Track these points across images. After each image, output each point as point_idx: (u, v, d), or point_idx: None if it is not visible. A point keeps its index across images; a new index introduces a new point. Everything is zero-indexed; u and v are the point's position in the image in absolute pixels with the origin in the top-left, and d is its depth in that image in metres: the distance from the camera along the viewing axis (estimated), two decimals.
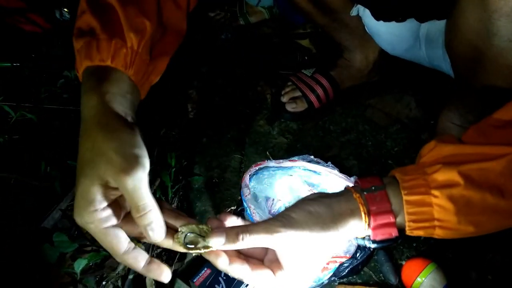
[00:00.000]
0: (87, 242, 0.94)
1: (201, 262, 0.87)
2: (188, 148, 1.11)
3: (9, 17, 1.34)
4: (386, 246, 0.56)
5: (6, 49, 1.27)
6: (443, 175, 0.50)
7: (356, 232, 0.53)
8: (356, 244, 0.80)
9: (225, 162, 1.08)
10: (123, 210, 0.51)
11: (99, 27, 0.56)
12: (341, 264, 0.80)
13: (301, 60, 1.33)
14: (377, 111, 1.18)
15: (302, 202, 0.53)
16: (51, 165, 1.05)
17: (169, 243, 0.50)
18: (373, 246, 0.54)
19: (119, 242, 0.49)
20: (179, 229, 0.50)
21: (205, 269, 0.83)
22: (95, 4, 0.58)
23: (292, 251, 0.51)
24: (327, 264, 0.78)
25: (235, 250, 0.52)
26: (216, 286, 0.81)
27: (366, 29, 1.08)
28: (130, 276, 0.90)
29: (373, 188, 0.53)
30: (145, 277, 0.88)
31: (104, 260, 0.91)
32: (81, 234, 0.96)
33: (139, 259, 0.50)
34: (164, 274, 0.50)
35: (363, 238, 0.55)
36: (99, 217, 0.47)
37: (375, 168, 1.05)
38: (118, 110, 0.52)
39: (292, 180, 0.86)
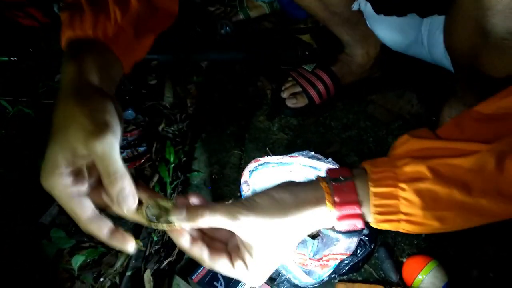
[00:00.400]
0: (84, 239, 0.93)
1: None
2: (187, 143, 1.10)
3: (7, 11, 1.33)
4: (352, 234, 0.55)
5: (4, 43, 1.26)
6: (411, 169, 0.49)
7: (321, 221, 0.52)
8: (356, 241, 0.79)
9: (224, 158, 1.07)
10: (90, 180, 0.50)
11: (85, 1, 0.55)
12: (341, 261, 0.79)
13: (302, 55, 1.32)
14: (378, 107, 1.17)
15: (270, 189, 0.52)
16: None
17: (135, 217, 0.49)
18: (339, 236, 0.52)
19: (83, 208, 0.48)
20: (143, 202, 0.49)
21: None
22: None
23: (254, 237, 0.49)
24: (327, 261, 0.77)
25: (200, 232, 0.52)
26: (215, 283, 0.80)
27: (368, 24, 1.07)
28: (128, 273, 0.89)
29: (341, 178, 0.52)
30: (143, 274, 0.87)
31: (102, 256, 0.90)
32: (78, 230, 0.95)
33: (102, 227, 0.49)
34: (129, 244, 0.50)
35: (330, 229, 0.53)
36: (64, 182, 0.46)
37: None
38: (93, 80, 0.51)
39: (292, 176, 0.85)
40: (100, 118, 0.46)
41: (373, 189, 0.50)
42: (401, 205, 0.49)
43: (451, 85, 0.95)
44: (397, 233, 0.90)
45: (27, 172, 1.02)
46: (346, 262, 0.79)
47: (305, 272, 0.78)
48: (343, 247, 0.79)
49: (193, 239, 0.51)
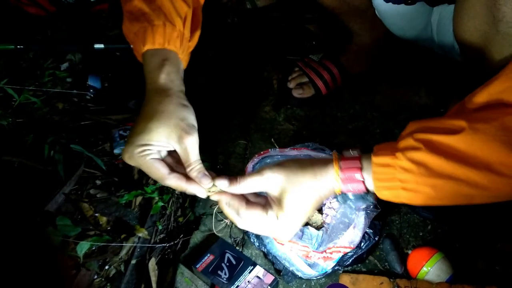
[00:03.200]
0: (90, 227, 0.94)
1: (204, 247, 0.86)
2: None
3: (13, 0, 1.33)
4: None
5: (10, 32, 1.26)
6: (407, 142, 0.56)
7: (331, 183, 0.61)
8: (360, 235, 0.79)
9: (229, 148, 1.07)
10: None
11: (151, 13, 0.67)
12: (345, 254, 0.78)
13: (309, 45, 1.30)
14: (386, 98, 1.15)
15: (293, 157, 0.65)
16: (54, 149, 1.05)
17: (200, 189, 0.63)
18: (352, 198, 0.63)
19: (164, 168, 0.61)
20: None
21: (208, 255, 0.83)
22: None
23: (280, 190, 0.61)
24: (331, 253, 0.77)
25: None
26: (219, 272, 0.80)
27: (377, 13, 1.05)
28: (133, 261, 0.90)
29: (350, 151, 0.62)
30: (148, 262, 0.88)
31: (107, 245, 0.90)
32: (84, 218, 0.96)
33: (179, 179, 0.62)
34: (200, 190, 0.63)
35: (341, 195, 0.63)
36: (153, 153, 0.61)
37: None
38: (179, 85, 0.66)
39: None
40: (190, 121, 0.63)
41: (374, 160, 0.58)
42: (397, 173, 0.56)
43: (459, 76, 0.94)
44: (402, 224, 0.89)
45: (33, 159, 1.03)
46: (350, 254, 0.79)
47: (308, 265, 0.77)
48: (347, 240, 0.78)
49: (232, 198, 0.63)
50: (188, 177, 0.62)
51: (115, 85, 1.18)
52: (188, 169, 0.62)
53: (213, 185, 0.63)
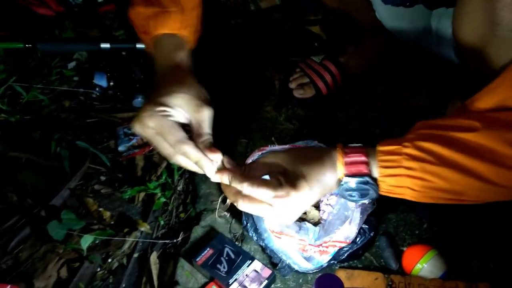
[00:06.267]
0: (94, 221, 0.96)
1: (204, 242, 0.88)
2: None
3: (23, 0, 1.36)
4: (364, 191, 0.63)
5: (19, 31, 1.29)
6: (413, 135, 0.60)
7: (334, 166, 0.63)
8: (355, 231, 0.80)
9: (231, 146, 1.09)
10: None
11: (168, 0, 0.71)
12: (341, 249, 0.80)
13: (311, 46, 1.32)
14: (386, 98, 1.17)
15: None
16: (60, 145, 1.07)
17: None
18: (353, 187, 0.63)
19: (182, 132, 0.62)
20: None
21: (208, 249, 0.85)
22: None
23: (296, 164, 0.62)
24: (327, 247, 0.78)
25: None
26: (218, 265, 0.83)
27: (377, 15, 1.07)
28: (135, 255, 0.92)
29: (354, 143, 0.65)
30: (150, 256, 0.90)
31: (110, 239, 0.93)
32: (88, 212, 0.98)
33: (195, 148, 0.62)
34: (209, 164, 0.62)
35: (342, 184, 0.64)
36: (169, 112, 0.62)
37: None
38: (192, 68, 0.70)
39: None
40: (207, 96, 0.65)
41: (379, 148, 0.60)
42: (403, 160, 0.58)
43: (458, 78, 0.95)
44: (398, 223, 0.91)
45: (40, 156, 1.06)
46: (345, 249, 0.80)
47: (305, 258, 0.79)
48: (343, 236, 0.80)
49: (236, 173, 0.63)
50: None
51: (120, 84, 1.20)
52: (200, 140, 0.62)
53: (222, 163, 0.62)
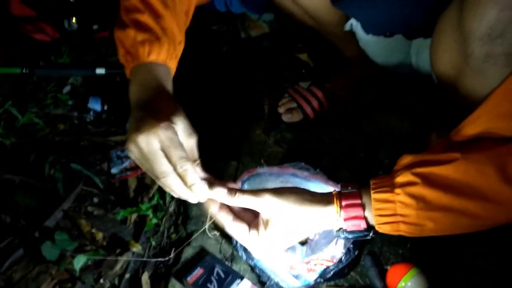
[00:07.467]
0: (86, 242, 0.98)
1: (195, 262, 0.91)
2: None
3: (21, 26, 1.40)
4: (360, 239, 0.66)
5: (17, 56, 1.32)
6: (404, 177, 0.61)
7: (331, 220, 0.65)
8: (343, 252, 0.83)
9: (221, 168, 1.12)
10: None
11: (158, 29, 0.72)
12: (327, 267, 0.83)
13: (299, 73, 1.37)
14: (371, 122, 1.21)
15: (293, 186, 0.70)
16: (54, 167, 1.10)
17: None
18: (349, 236, 0.64)
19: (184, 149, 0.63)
20: None
21: (198, 268, 0.87)
22: (147, 6, 0.72)
23: (272, 215, 0.65)
24: (314, 265, 0.81)
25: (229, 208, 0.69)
26: (208, 285, 0.85)
27: (360, 43, 1.12)
28: (127, 275, 0.94)
29: (349, 188, 0.66)
30: (141, 276, 0.91)
31: (103, 259, 0.94)
32: (81, 234, 1.00)
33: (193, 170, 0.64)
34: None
35: (339, 231, 0.65)
36: (175, 128, 0.63)
37: (366, 179, 1.08)
38: (170, 91, 0.71)
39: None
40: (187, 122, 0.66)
41: (374, 196, 0.61)
42: (397, 208, 0.60)
43: (439, 105, 1.00)
44: (383, 243, 0.94)
45: (34, 178, 1.08)
46: (331, 268, 0.83)
47: (293, 276, 0.82)
48: (329, 255, 0.83)
49: (221, 208, 0.68)
50: None
51: (114, 108, 1.24)
52: (188, 155, 0.64)
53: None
